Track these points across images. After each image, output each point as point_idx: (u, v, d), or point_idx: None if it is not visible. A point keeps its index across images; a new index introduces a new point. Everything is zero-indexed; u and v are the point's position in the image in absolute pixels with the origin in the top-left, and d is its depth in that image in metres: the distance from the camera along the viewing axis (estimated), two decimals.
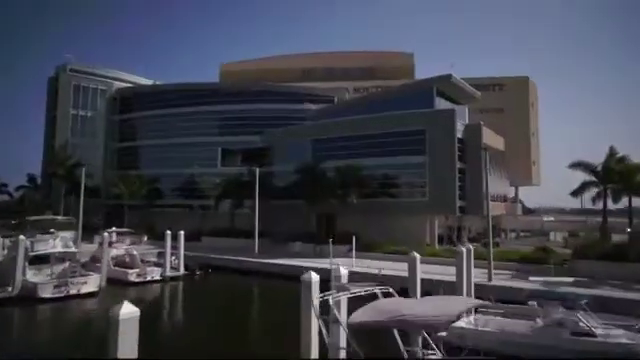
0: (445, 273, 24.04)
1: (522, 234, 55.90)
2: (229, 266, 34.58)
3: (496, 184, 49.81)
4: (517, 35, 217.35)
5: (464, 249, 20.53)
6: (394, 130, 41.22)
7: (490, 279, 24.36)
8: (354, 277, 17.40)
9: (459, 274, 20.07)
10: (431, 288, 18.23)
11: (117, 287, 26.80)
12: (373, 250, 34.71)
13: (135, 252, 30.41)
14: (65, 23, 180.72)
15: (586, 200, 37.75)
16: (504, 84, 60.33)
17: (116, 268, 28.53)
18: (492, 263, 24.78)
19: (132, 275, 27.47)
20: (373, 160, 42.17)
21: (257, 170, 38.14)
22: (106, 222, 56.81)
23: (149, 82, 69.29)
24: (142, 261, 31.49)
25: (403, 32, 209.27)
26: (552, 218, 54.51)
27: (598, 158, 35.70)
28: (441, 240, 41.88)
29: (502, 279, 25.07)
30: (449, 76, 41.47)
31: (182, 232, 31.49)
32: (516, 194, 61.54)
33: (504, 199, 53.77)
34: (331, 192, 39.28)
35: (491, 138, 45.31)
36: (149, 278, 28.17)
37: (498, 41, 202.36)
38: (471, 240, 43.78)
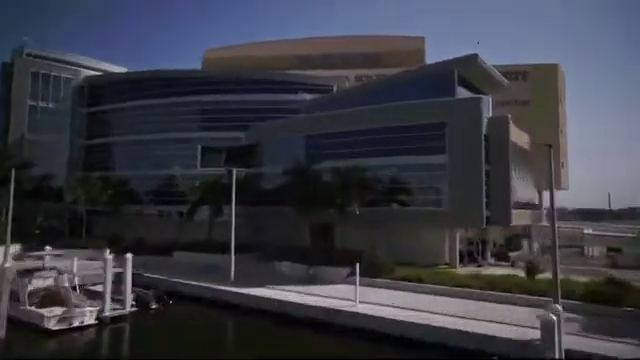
0: (482, 317, 18.22)
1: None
2: (197, 295, 27.48)
3: (523, 189, 43.22)
4: (516, 35, 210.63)
5: (553, 317, 13.40)
6: (405, 124, 34.30)
7: None
8: None
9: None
10: None
11: (25, 339, 19.62)
12: (381, 274, 27.71)
13: (66, 283, 23.16)
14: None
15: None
16: (528, 72, 53.22)
17: (31, 308, 21.16)
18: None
19: (50, 320, 20.04)
20: (379, 160, 35.29)
21: (234, 171, 30.98)
22: (70, 230, 50.02)
23: (124, 70, 62.01)
24: (85, 291, 24.48)
25: (410, 16, 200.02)
26: (591, 230, 47.57)
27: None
28: (461, 257, 34.78)
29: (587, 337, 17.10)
30: (474, 57, 34.38)
31: (129, 256, 24.40)
32: (540, 199, 54.45)
33: (531, 206, 46.79)
34: (327, 199, 32.30)
35: (516, 134, 38.33)
36: (77, 323, 20.77)
37: (498, 43, 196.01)
38: (497, 257, 36.77)
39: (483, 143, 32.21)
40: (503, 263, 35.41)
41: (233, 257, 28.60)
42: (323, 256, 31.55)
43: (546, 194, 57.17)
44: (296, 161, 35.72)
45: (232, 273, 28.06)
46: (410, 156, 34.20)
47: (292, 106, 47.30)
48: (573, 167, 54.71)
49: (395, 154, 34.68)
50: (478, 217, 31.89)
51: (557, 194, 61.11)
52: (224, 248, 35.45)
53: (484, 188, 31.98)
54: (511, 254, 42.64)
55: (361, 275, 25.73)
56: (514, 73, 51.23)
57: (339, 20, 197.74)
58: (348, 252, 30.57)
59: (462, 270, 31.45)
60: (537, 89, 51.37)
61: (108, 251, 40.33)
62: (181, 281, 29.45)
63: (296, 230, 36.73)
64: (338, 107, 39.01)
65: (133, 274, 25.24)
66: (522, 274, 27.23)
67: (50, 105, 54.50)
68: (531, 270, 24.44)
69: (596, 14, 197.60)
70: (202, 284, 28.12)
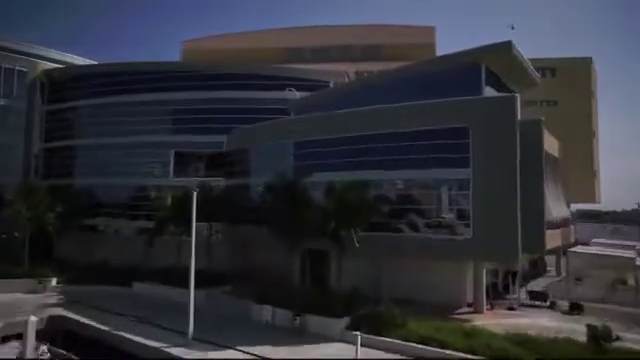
0: None
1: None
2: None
3: (554, 204, 37.11)
4: (532, 26, 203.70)
5: None
6: (419, 128, 27.82)
7: None
8: None
9: None
10: None
11: None
12: (388, 331, 21.15)
13: None
14: None
15: None
16: (557, 68, 46.73)
17: None
18: None
19: None
20: (384, 174, 29.01)
21: (194, 194, 24.24)
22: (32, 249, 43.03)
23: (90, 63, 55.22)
24: None
25: (419, 4, 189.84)
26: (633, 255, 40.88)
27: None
28: (486, 292, 28.37)
29: None
30: (508, 46, 27.86)
31: (32, 319, 17.77)
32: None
33: (562, 223, 40.52)
34: (320, 223, 25.82)
35: (546, 141, 32.00)
36: None
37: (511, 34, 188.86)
38: (532, 296, 30.26)
39: (518, 154, 25.70)
40: (540, 303, 28.99)
41: (192, 306, 21.90)
42: (315, 297, 25.17)
43: (574, 206, 51.17)
44: (281, 174, 29.18)
45: (190, 328, 21.43)
46: (423, 170, 27.80)
47: (282, 105, 40.88)
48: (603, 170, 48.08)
49: (405, 166, 28.30)
50: (512, 250, 25.37)
51: (587, 206, 54.93)
52: (196, 279, 29.05)
53: (519, 211, 25.44)
54: (540, 283, 36.60)
55: (362, 328, 20.21)
56: (540, 69, 44.82)
57: (336, 7, 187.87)
58: (345, 298, 24.24)
59: (492, 319, 25.12)
60: (567, 87, 44.92)
61: (55, 280, 34.94)
62: (122, 334, 22.78)
63: (283, 257, 30.26)
64: (334, 107, 32.45)
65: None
66: (576, 326, 21.92)
67: (1, 102, 47.78)
68: (599, 336, 17.87)
69: (596, 13, 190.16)
70: (148, 342, 21.47)
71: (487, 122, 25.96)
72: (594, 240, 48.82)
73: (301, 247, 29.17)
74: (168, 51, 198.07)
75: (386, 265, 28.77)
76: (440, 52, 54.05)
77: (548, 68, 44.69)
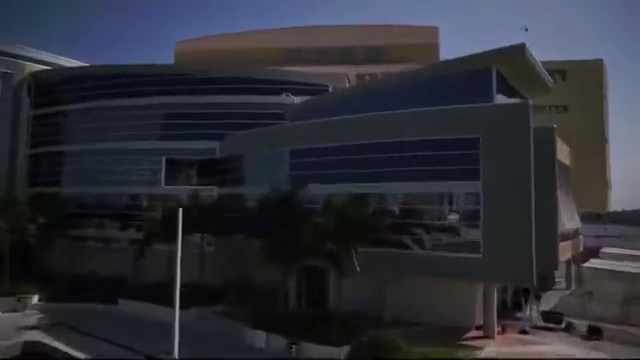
0: None
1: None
2: None
3: (567, 215, 35.46)
4: (537, 25, 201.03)
5: None
6: (424, 137, 26.01)
7: None
8: None
9: None
10: None
11: None
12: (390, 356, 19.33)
13: None
14: None
15: None
16: (567, 71, 44.84)
17: None
18: None
19: None
20: (387, 186, 27.13)
21: (179, 213, 22.31)
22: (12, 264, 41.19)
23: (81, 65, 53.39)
24: None
25: (422, 3, 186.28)
26: None
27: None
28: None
29: None
30: (522, 50, 25.94)
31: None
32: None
33: (575, 234, 38.77)
34: (318, 240, 24.00)
35: (557, 148, 30.22)
36: None
37: (513, 34, 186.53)
38: (546, 317, 28.37)
39: (532, 165, 23.83)
40: (554, 326, 27.11)
41: (177, 334, 19.98)
42: (312, 321, 23.43)
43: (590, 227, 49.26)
44: (276, 186, 27.38)
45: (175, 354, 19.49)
46: (430, 182, 25.92)
47: (279, 110, 39.10)
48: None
49: (410, 178, 26.39)
50: (526, 270, 23.43)
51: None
52: (187, 297, 27.28)
53: (534, 230, 23.57)
54: (551, 298, 34.75)
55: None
56: (549, 72, 42.96)
57: (337, 7, 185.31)
58: (345, 316, 22.49)
59: (505, 345, 23.44)
60: (578, 91, 43.03)
61: (37, 297, 33.09)
62: None
63: (278, 273, 28.41)
64: (333, 113, 30.61)
65: None
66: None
67: None
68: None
69: (596, 13, 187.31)
70: None
71: (499, 131, 24.10)
72: (603, 250, 46.88)
73: (297, 265, 27.37)
74: (168, 51, 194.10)
75: (389, 283, 27.01)
76: (443, 53, 52.46)
77: (558, 71, 42.77)
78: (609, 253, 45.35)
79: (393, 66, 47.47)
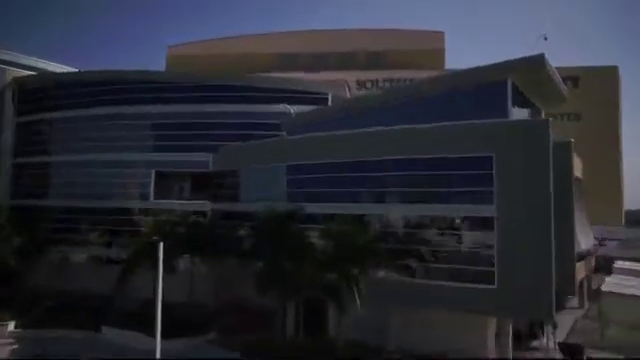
0: None
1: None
2: None
3: (582, 234, 33.68)
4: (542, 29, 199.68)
5: None
6: (432, 155, 24.00)
7: None
8: None
9: None
10: None
11: None
12: None
13: None
14: None
15: None
16: (580, 77, 42.86)
17: None
18: None
19: None
20: (391, 207, 25.17)
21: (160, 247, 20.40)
22: None
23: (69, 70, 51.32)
24: None
25: (425, 6, 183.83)
26: None
27: None
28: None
29: None
30: (541, 60, 23.91)
31: None
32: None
33: (589, 253, 36.90)
34: (316, 271, 22.04)
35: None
36: None
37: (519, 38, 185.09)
38: (564, 349, 26.34)
39: (552, 187, 21.89)
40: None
41: None
42: (312, 351, 21.63)
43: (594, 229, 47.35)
44: (272, 202, 25.45)
45: None
46: (438, 205, 23.95)
47: (274, 120, 36.97)
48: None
49: (416, 200, 24.40)
50: (545, 303, 21.54)
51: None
52: (177, 324, 25.43)
53: (553, 259, 21.63)
54: (564, 320, 32.73)
55: None
56: (562, 79, 41.00)
57: (335, 10, 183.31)
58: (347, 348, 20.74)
59: None
60: (592, 99, 41.07)
61: (13, 324, 31.00)
62: None
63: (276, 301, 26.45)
64: (333, 127, 28.57)
65: None
66: None
67: None
68: None
69: (596, 13, 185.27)
70: None
71: (515, 150, 22.14)
72: (617, 266, 45.01)
73: (294, 296, 25.39)
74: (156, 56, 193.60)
75: (393, 313, 25.05)
76: (448, 58, 50.49)
77: (570, 78, 40.80)
78: (621, 268, 43.56)
79: (395, 72, 45.57)
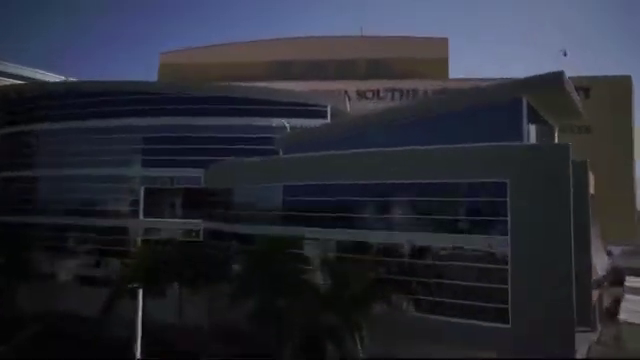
0: None
1: None
2: None
3: (598, 258, 31.80)
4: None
5: None
6: (439, 181, 22.28)
7: None
8: None
9: None
10: None
11: None
12: None
13: None
14: None
15: None
16: (591, 88, 41.14)
17: None
18: None
19: None
20: (396, 236, 23.29)
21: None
22: None
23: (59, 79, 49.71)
24: None
25: (427, 12, 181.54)
26: None
27: None
28: None
29: None
30: (560, 78, 22.10)
31: None
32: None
33: (604, 278, 35.02)
34: (315, 311, 20.25)
35: None
36: None
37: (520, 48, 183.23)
38: None
39: (572, 216, 20.15)
40: None
41: None
42: None
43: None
44: (264, 233, 23.71)
45: None
46: (446, 234, 22.16)
47: (269, 134, 35.26)
48: None
49: (421, 229, 22.62)
50: (566, 342, 19.83)
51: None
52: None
53: (574, 293, 19.90)
54: (579, 343, 30.97)
55: None
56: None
57: (333, 16, 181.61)
58: None
59: None
60: (603, 111, 39.36)
61: None
62: None
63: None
64: (332, 145, 26.69)
65: None
66: None
67: None
68: None
69: (596, 13, 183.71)
70: None
71: (532, 176, 20.38)
72: (629, 284, 43.39)
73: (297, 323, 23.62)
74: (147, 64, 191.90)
75: (400, 349, 23.25)
76: (450, 59, 48.45)
77: (581, 88, 39.05)
78: (637, 288, 41.96)
79: (398, 82, 43.78)
